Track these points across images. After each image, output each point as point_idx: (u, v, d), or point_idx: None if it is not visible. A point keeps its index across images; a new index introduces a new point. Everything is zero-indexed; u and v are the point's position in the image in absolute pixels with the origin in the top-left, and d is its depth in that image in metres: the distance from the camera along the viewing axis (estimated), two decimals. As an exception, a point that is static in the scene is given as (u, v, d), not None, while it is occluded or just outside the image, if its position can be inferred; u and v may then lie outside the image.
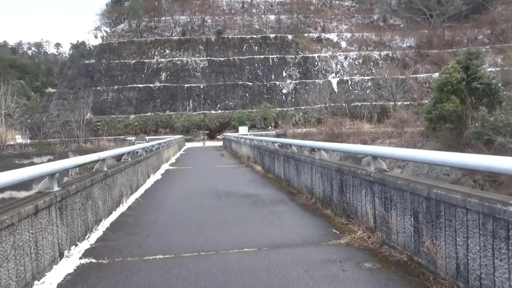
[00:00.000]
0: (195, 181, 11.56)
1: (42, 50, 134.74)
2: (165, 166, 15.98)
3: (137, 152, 10.90)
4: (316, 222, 5.90)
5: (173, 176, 13.00)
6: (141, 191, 9.58)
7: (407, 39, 60.80)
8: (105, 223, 6.04)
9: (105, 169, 6.82)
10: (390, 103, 44.74)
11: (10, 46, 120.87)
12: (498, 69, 40.10)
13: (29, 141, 42.40)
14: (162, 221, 6.27)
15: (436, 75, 53.81)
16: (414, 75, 52.95)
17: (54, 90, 57.08)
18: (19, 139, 41.48)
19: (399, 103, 44.23)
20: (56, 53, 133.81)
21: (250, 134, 32.07)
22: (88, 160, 5.84)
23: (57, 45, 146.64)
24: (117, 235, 5.44)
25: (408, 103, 46.14)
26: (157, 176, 12.75)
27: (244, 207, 7.29)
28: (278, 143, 12.05)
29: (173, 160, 20.02)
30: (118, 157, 10.30)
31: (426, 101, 42.99)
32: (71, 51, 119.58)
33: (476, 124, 18.64)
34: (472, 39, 57.65)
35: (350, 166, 5.76)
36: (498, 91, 19.70)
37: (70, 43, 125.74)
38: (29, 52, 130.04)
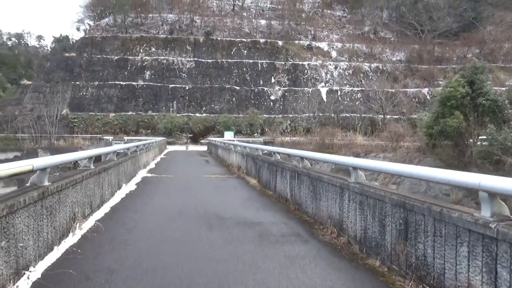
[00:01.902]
0: (178, 195, 9.35)
1: (22, 42, 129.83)
2: (142, 173, 13.64)
3: (97, 157, 8.61)
4: (366, 285, 3.84)
5: (150, 186, 10.73)
6: (105, 209, 7.31)
7: (397, 53, 60.45)
8: (32, 275, 3.81)
9: (46, 183, 4.61)
10: (380, 116, 43.70)
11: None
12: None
13: (-4, 134, 39.16)
14: (124, 272, 4.08)
15: (426, 90, 53.79)
16: (404, 89, 52.26)
17: (30, 82, 53.74)
18: (-16, 132, 38.24)
19: (388, 116, 43.24)
20: (38, 46, 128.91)
21: (236, 140, 30.13)
22: (8, 172, 3.64)
23: (39, 37, 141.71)
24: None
25: (397, 117, 45.37)
26: (130, 186, 10.44)
27: (247, 245, 5.15)
28: (280, 153, 9.96)
29: (152, 165, 17.66)
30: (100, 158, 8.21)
31: (415, 115, 42.32)
32: (53, 45, 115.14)
33: (482, 143, 17.43)
34: (461, 57, 57.57)
35: (426, 201, 3.75)
36: (504, 109, 18.69)
37: (53, 36, 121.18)
38: (9, 42, 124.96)
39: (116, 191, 8.99)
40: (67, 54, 55.15)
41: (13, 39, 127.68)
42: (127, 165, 10.79)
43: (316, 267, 4.33)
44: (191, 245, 5.09)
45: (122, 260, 4.44)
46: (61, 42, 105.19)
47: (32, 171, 4.18)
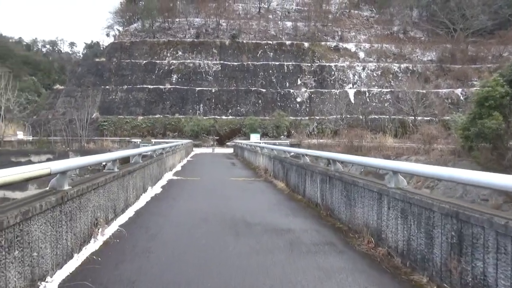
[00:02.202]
0: (203, 199, 9.06)
1: (56, 49, 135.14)
2: (168, 176, 13.50)
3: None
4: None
5: (176, 190, 10.52)
6: (129, 213, 7.10)
7: (428, 53, 58.54)
8: (49, 286, 3.57)
9: (66, 187, 4.40)
10: (410, 117, 42.36)
11: (25, 43, 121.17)
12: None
13: (31, 138, 40.50)
14: (145, 285, 3.78)
15: (459, 90, 51.72)
16: (435, 90, 50.46)
17: (62, 87, 55.50)
18: (20, 135, 39.59)
19: (419, 118, 41.82)
20: (70, 52, 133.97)
21: (262, 143, 29.79)
22: (24, 176, 3.43)
23: (72, 44, 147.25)
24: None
25: (428, 118, 43.88)
26: (156, 189, 10.27)
27: (277, 255, 4.77)
28: (309, 155, 9.50)
29: (178, 168, 17.56)
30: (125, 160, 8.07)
31: (448, 117, 40.70)
32: (85, 51, 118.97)
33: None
34: (497, 56, 55.13)
35: (486, 212, 3.25)
36: (549, 110, 17.58)
37: (84, 43, 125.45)
38: (44, 49, 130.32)
39: (142, 194, 8.81)
40: (97, 59, 56.64)
41: (48, 46, 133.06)
42: (152, 167, 10.64)
43: (354, 283, 3.88)
44: (217, 255, 4.75)
45: (144, 270, 4.16)
46: (92, 48, 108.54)
47: (49, 175, 3.96)
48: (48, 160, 32.72)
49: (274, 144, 27.47)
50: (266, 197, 9.56)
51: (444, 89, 51.70)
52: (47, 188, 4.37)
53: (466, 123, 22.41)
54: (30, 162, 29.45)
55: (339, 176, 6.58)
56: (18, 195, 27.63)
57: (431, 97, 46.85)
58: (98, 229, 5.28)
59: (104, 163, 6.75)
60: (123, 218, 6.63)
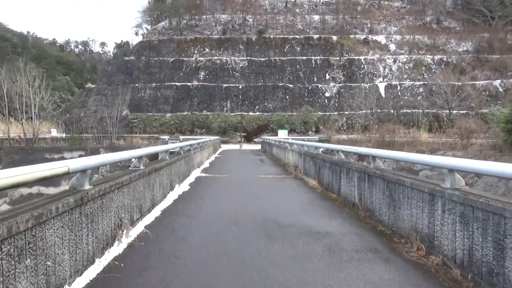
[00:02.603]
0: (232, 197, 8.66)
1: (88, 49, 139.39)
2: (196, 173, 13.23)
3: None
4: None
5: (204, 187, 10.18)
6: (156, 212, 6.79)
7: (463, 43, 55.94)
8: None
9: (87, 187, 4.08)
10: (444, 111, 40.56)
11: (58, 44, 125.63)
12: None
13: (64, 135, 41.65)
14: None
15: (497, 82, 49.07)
16: (472, 82, 48.14)
17: (94, 85, 56.86)
18: (54, 132, 40.77)
19: (454, 111, 39.96)
20: (101, 52, 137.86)
21: (290, 139, 29.23)
22: (39, 175, 3.11)
23: (103, 44, 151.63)
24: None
25: (464, 112, 41.91)
26: (183, 187, 9.97)
27: (316, 263, 4.27)
28: (345, 151, 8.90)
29: (206, 164, 17.31)
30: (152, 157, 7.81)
31: (486, 110, 38.66)
32: (115, 50, 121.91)
33: None
34: (539, 45, 52.08)
35: None
36: None
37: (115, 43, 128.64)
38: (76, 50, 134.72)
39: (169, 193, 8.52)
40: (126, 58, 57.58)
41: (80, 46, 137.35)
42: (180, 164, 10.35)
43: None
44: (248, 262, 4.31)
45: (169, 279, 3.78)
46: (122, 47, 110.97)
47: (67, 173, 3.64)
48: (80, 156, 33.49)
49: (303, 140, 26.82)
50: (298, 195, 9.05)
51: (481, 81, 49.30)
52: (67, 188, 4.06)
53: (510, 115, 21.14)
54: (62, 159, 30.15)
55: (381, 174, 5.99)
56: (51, 190, 28.36)
57: (467, 90, 44.73)
58: (123, 231, 4.97)
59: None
60: (149, 218, 6.32)
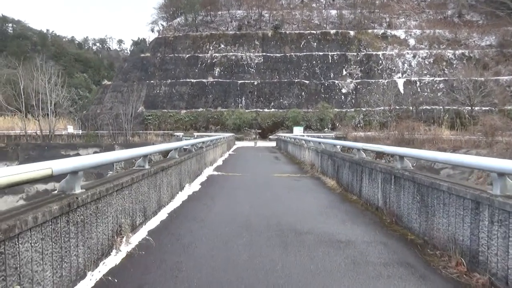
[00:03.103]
0: (245, 199, 8.11)
1: (105, 46, 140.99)
2: (208, 171, 12.73)
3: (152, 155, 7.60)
4: None
5: (215, 187, 9.67)
6: (162, 215, 6.30)
7: (486, 37, 54.03)
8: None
9: (77, 190, 3.59)
10: (466, 107, 39.23)
11: (77, 42, 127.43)
12: None
13: (80, 132, 41.87)
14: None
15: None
16: (495, 77, 46.44)
17: (110, 82, 57.13)
18: (70, 129, 41.03)
19: (476, 108, 38.58)
20: (118, 49, 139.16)
21: (305, 136, 28.57)
22: (16, 179, 2.63)
23: (120, 41, 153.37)
24: None
25: (487, 108, 40.49)
26: (194, 186, 9.48)
27: (339, 279, 3.68)
28: (367, 150, 8.21)
29: (219, 162, 16.82)
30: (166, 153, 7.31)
31: (510, 107, 37.15)
32: (132, 48, 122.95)
33: None
34: None
35: None
36: None
37: (132, 40, 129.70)
38: (94, 47, 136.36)
39: (177, 193, 8.03)
40: (142, 55, 57.63)
41: (98, 44, 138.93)
42: (191, 163, 9.86)
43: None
44: (262, 278, 3.75)
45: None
46: (139, 44, 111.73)
47: (51, 176, 3.15)
48: (95, 153, 33.54)
49: (319, 137, 26.08)
50: (315, 197, 8.44)
51: (506, 76, 47.59)
52: (55, 192, 3.59)
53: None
54: (78, 155, 30.23)
55: (410, 176, 5.34)
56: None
57: (490, 85, 43.15)
58: (122, 238, 4.49)
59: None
60: (154, 222, 5.83)
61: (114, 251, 4.27)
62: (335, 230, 5.51)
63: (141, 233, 5.14)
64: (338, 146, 10.61)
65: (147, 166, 5.93)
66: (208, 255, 4.39)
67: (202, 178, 11.18)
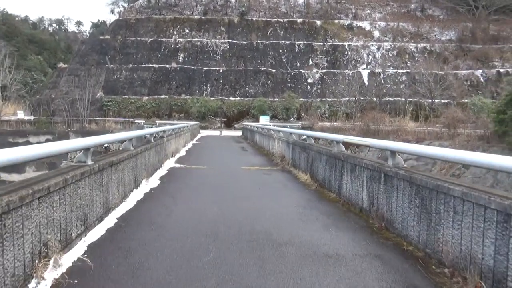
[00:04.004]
0: (211, 199, 7.04)
1: (63, 28, 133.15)
2: (169, 163, 11.56)
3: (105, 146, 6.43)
4: None
5: (177, 183, 8.56)
6: (109, 222, 5.15)
7: (447, 32, 55.57)
8: None
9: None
10: (427, 100, 40.17)
11: (31, 21, 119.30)
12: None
13: (32, 117, 38.82)
14: None
15: (479, 72, 48.77)
16: (454, 71, 47.84)
17: (66, 65, 53.56)
18: (20, 114, 37.96)
19: (436, 100, 39.60)
20: (77, 31, 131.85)
21: (271, 125, 27.88)
22: None
23: (78, 23, 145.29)
24: None
25: (446, 101, 41.71)
26: (152, 182, 8.33)
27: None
28: (348, 142, 7.40)
29: (182, 153, 15.63)
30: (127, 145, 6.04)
31: (467, 100, 38.33)
32: (92, 30, 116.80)
33: None
34: (520, 35, 52.22)
35: None
36: None
37: (91, 22, 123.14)
38: (50, 28, 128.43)
39: (132, 191, 6.88)
40: (101, 37, 54.45)
41: (54, 25, 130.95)
42: (149, 155, 8.69)
43: None
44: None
45: None
46: (99, 27, 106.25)
47: None
48: (48, 141, 31.14)
49: (285, 127, 25.40)
50: (290, 195, 7.57)
51: (464, 71, 49.14)
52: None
53: (501, 105, 20.42)
54: (28, 143, 27.84)
55: (406, 176, 4.56)
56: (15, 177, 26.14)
57: (450, 79, 44.39)
58: (48, 261, 3.38)
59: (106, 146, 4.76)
60: (97, 232, 4.70)
61: (34, 281, 3.16)
62: (319, 240, 4.64)
63: (77, 250, 4.01)
64: (311, 138, 9.79)
65: (89, 162, 4.77)
66: (164, 282, 3.38)
67: (163, 171, 10.02)
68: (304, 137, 10.35)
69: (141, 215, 5.64)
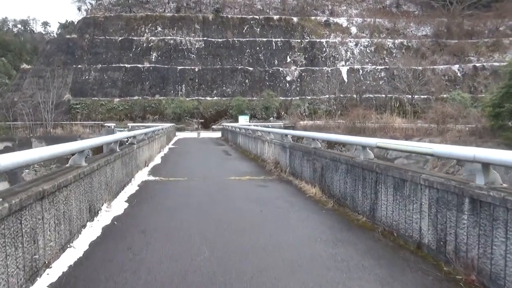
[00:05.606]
0: (196, 232, 4.90)
1: (28, 28, 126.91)
2: (141, 176, 9.44)
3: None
4: None
5: (149, 207, 6.47)
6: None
7: (423, 27, 55.72)
8: None
9: None
10: (407, 96, 39.74)
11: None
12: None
13: (-11, 123, 35.44)
14: None
15: (456, 66, 48.61)
16: (432, 66, 47.73)
17: (30, 66, 49.99)
18: (-25, 120, 34.58)
19: (416, 96, 39.18)
20: (44, 32, 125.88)
21: (252, 125, 26.19)
22: None
23: (45, 23, 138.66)
24: None
25: (425, 96, 41.54)
26: (116, 207, 6.22)
27: None
28: (380, 147, 5.57)
29: (157, 160, 13.50)
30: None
31: (446, 95, 37.89)
32: (59, 31, 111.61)
33: None
34: (493, 30, 52.76)
35: None
36: None
37: (58, 22, 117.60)
38: (14, 29, 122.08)
39: (83, 227, 4.81)
40: (68, 36, 51.21)
41: (19, 25, 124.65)
42: (112, 170, 6.62)
43: None
44: None
45: None
46: (67, 28, 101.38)
47: None
48: (7, 149, 28.10)
49: (267, 126, 23.60)
50: (304, 219, 5.65)
51: (441, 66, 49.06)
52: None
53: (496, 99, 19.48)
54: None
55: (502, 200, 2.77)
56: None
57: (428, 74, 44.05)
58: None
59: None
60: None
61: None
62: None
63: None
64: (317, 141, 7.93)
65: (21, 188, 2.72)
66: None
67: (132, 188, 7.90)
68: (314, 139, 8.53)
69: (94, 269, 3.58)
